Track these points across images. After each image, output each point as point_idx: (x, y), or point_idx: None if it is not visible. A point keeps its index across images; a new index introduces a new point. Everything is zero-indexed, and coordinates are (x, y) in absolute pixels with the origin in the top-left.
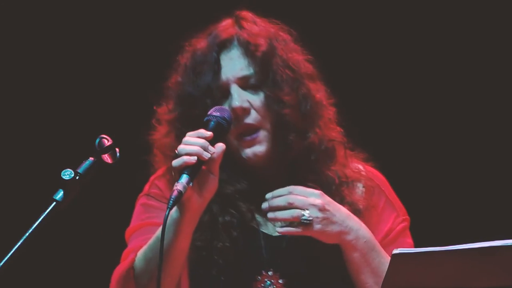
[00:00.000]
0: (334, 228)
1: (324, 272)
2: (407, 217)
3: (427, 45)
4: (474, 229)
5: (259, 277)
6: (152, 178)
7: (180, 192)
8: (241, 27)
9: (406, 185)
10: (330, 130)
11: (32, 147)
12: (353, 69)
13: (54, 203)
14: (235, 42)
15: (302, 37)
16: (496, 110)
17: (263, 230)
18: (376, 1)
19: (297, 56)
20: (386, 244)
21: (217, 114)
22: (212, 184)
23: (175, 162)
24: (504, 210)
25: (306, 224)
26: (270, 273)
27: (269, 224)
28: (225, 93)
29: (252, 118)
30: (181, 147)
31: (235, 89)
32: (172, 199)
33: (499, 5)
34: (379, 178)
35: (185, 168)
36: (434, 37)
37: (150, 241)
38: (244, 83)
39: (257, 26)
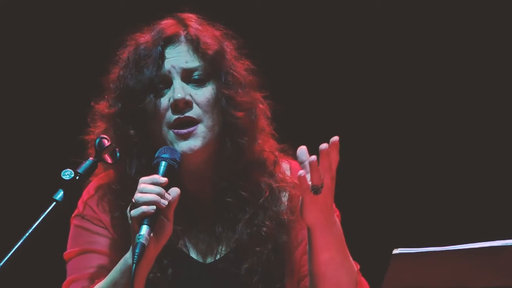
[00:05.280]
0: (326, 211)
1: None
2: (338, 212)
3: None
4: (474, 229)
5: None
6: (85, 197)
7: (143, 246)
8: (187, 26)
9: (406, 185)
10: (265, 141)
11: (32, 147)
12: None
13: (54, 203)
14: (182, 38)
15: (244, 43)
16: (495, 108)
17: (193, 256)
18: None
19: (241, 64)
20: None
21: (167, 155)
22: (167, 230)
23: (134, 212)
24: (504, 210)
25: (314, 191)
26: None
27: (200, 248)
28: (168, 85)
29: (193, 111)
30: (138, 196)
31: (178, 82)
32: (136, 254)
33: (498, 5)
34: None
35: (144, 218)
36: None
37: (103, 284)
38: (188, 76)
39: (203, 27)
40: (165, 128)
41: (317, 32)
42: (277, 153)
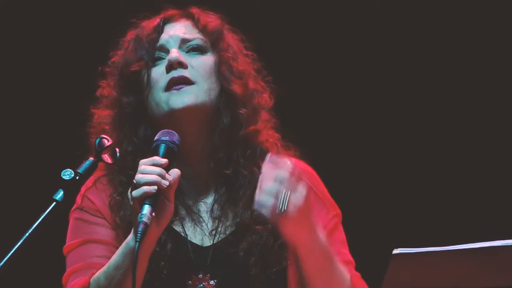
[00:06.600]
0: (303, 225)
1: (252, 272)
2: (338, 211)
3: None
4: (474, 229)
5: (189, 282)
6: (83, 189)
7: (146, 224)
8: (187, 9)
9: (406, 185)
10: (267, 129)
11: (32, 147)
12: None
13: (54, 203)
14: (182, 16)
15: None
16: (495, 108)
17: (191, 240)
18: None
19: (243, 54)
20: None
21: (166, 138)
22: (169, 211)
23: (136, 193)
24: (504, 210)
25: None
26: (200, 275)
27: (198, 231)
28: (165, 55)
29: (188, 72)
30: (139, 177)
31: (175, 49)
32: (139, 232)
33: (498, 5)
34: (308, 173)
35: (145, 198)
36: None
37: (105, 269)
38: (186, 46)
39: (205, 14)
40: (160, 92)
41: (316, 32)
42: (279, 143)
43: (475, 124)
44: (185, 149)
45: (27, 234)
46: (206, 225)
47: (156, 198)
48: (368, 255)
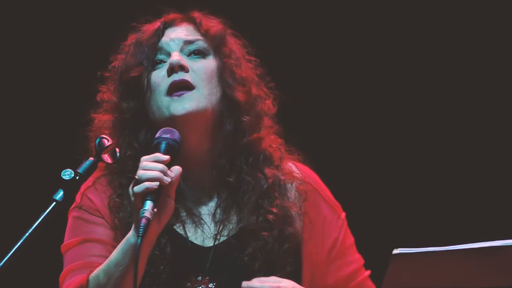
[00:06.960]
0: None
1: (252, 275)
2: (343, 212)
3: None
4: (474, 229)
5: (188, 284)
6: (83, 188)
7: (148, 220)
8: (189, 13)
9: (406, 185)
10: (270, 134)
11: (32, 147)
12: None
13: (54, 203)
14: (184, 20)
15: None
16: (495, 108)
17: (192, 240)
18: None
19: (246, 60)
20: (336, 257)
21: (167, 136)
22: (169, 208)
23: (137, 188)
24: (504, 210)
25: None
26: (199, 278)
27: (199, 232)
28: (166, 58)
29: (189, 76)
30: (141, 173)
31: (176, 52)
32: (142, 227)
33: (498, 5)
34: (314, 179)
35: (147, 194)
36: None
37: (104, 266)
38: (187, 49)
39: (207, 19)
40: (161, 96)
41: (317, 34)
42: (283, 149)
43: (474, 125)
44: (186, 155)
45: (27, 234)
46: (208, 227)
47: (157, 194)
48: (368, 255)
